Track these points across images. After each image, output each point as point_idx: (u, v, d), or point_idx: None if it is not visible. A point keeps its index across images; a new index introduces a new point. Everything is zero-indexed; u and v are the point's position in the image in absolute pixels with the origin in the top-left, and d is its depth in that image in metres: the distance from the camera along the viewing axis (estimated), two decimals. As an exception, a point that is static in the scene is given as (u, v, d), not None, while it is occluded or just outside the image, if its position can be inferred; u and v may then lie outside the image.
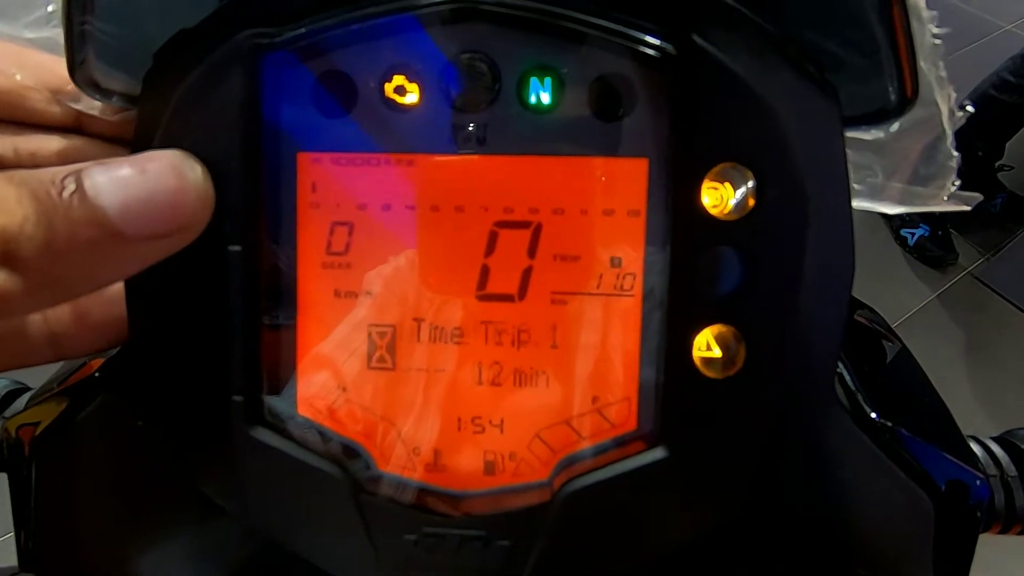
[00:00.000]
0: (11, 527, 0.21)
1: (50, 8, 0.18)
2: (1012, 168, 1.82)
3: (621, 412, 0.18)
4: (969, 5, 2.26)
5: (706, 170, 0.16)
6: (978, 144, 1.60)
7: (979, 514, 0.19)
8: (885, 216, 1.85)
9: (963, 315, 1.67)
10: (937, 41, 0.16)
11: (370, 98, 0.18)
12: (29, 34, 0.19)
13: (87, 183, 0.14)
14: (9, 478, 0.22)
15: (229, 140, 0.17)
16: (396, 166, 0.18)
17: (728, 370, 0.17)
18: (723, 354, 0.17)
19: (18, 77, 0.19)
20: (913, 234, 1.75)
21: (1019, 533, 0.22)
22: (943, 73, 0.16)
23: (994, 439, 0.23)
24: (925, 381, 0.23)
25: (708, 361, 0.17)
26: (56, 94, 0.20)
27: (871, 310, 0.28)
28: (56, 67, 0.19)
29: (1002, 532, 0.22)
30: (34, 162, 0.19)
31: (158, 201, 0.15)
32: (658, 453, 0.17)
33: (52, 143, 0.20)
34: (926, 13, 0.15)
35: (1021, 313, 1.66)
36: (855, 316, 0.27)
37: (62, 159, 0.20)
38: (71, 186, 0.14)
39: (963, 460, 0.19)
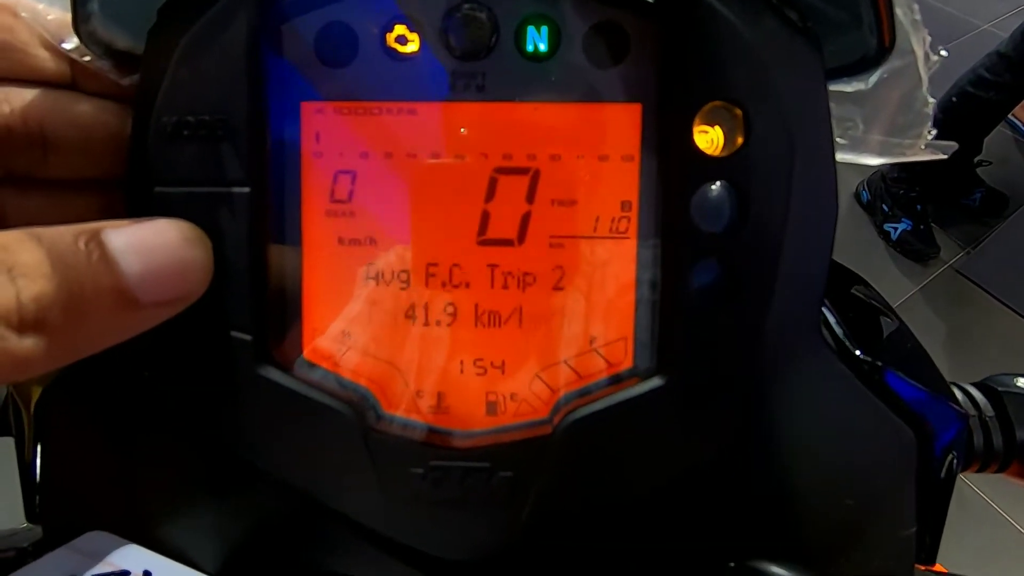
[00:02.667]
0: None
1: None
2: (990, 164, 1.87)
3: (618, 351, 0.19)
4: (947, 5, 2.31)
5: (698, 108, 0.17)
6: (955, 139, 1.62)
7: (958, 448, 0.20)
8: (868, 212, 1.88)
9: (945, 308, 1.70)
10: (912, -15, 0.16)
11: (372, 48, 0.18)
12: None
13: (110, 248, 0.15)
14: (15, 436, 0.22)
15: (234, 90, 0.18)
16: (397, 115, 0.19)
17: (718, 298, 0.17)
18: (715, 284, 0.17)
19: (24, 14, 0.19)
20: (896, 228, 1.78)
21: (996, 471, 0.23)
22: (917, 16, 0.17)
23: (974, 384, 0.24)
24: (908, 332, 0.24)
25: (704, 288, 0.17)
26: (50, 48, 0.20)
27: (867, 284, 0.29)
28: (52, 19, 0.19)
29: (980, 471, 0.23)
30: (24, 118, 0.19)
31: (171, 273, 0.16)
32: (655, 382, 0.17)
33: (44, 99, 0.20)
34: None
35: (1001, 305, 1.70)
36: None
37: (54, 115, 0.20)
38: (95, 251, 0.15)
39: (944, 397, 0.20)
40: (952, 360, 1.56)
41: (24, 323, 0.13)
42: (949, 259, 1.78)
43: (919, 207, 1.76)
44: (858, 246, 1.79)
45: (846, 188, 1.88)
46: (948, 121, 1.61)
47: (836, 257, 0.26)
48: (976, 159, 1.83)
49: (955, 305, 1.71)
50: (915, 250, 1.76)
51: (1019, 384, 0.24)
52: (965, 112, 1.57)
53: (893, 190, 1.76)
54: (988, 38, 2.00)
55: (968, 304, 1.71)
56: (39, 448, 0.21)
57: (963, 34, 2.24)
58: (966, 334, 1.62)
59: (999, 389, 0.23)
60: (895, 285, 1.71)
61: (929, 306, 1.70)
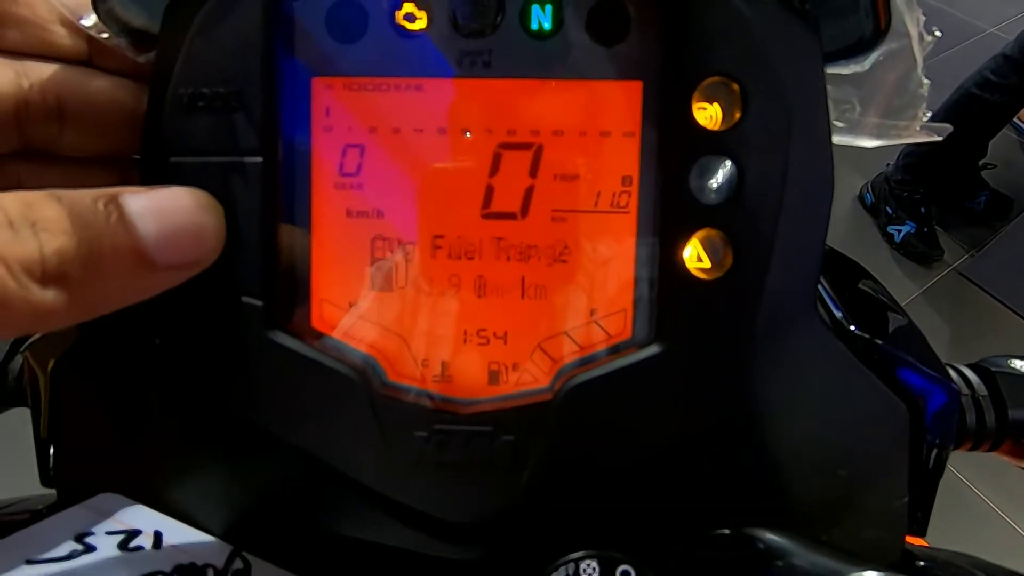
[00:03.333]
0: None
1: None
2: (995, 167, 1.86)
3: (617, 322, 0.19)
4: (952, 8, 2.31)
5: (697, 82, 0.17)
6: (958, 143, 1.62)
7: (950, 423, 0.20)
8: (872, 214, 1.88)
9: (948, 310, 1.70)
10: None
11: (381, 24, 0.19)
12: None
13: (127, 210, 0.15)
14: (31, 405, 0.23)
15: (248, 64, 0.18)
16: (405, 90, 0.19)
17: (716, 272, 0.18)
18: (711, 258, 0.18)
19: None
20: (899, 231, 1.78)
21: (988, 450, 0.23)
22: (911, -2, 0.18)
23: (968, 365, 0.25)
24: (904, 314, 0.25)
25: (702, 259, 0.18)
26: (68, 25, 0.20)
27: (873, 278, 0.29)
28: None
29: (973, 448, 0.23)
30: (42, 93, 0.20)
31: (186, 238, 0.17)
32: (652, 349, 0.18)
33: (61, 74, 0.20)
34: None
35: (1005, 308, 1.69)
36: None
37: (70, 90, 0.20)
38: (114, 213, 0.15)
39: (936, 374, 0.21)
40: (955, 362, 1.57)
41: (46, 275, 0.14)
42: (953, 262, 1.77)
43: (923, 209, 1.76)
44: (862, 248, 1.79)
45: (850, 190, 1.88)
46: (953, 123, 1.61)
47: None
48: (981, 162, 1.83)
49: (959, 307, 1.71)
50: (919, 252, 1.76)
51: (1013, 365, 0.24)
52: (970, 115, 1.57)
53: (897, 192, 1.76)
54: (994, 41, 2.00)
55: (972, 307, 1.71)
56: (53, 414, 0.22)
57: (969, 37, 2.24)
58: (970, 336, 1.62)
59: (993, 370, 0.24)
60: (899, 287, 1.71)
61: (933, 308, 1.70)
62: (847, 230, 1.82)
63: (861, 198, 1.86)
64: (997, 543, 1.26)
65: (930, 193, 1.76)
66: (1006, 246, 1.75)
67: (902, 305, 0.25)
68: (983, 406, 0.23)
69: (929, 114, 0.21)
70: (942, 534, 0.20)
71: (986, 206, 1.84)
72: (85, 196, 0.15)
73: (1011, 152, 2.04)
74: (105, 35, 0.20)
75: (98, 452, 0.21)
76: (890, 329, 0.22)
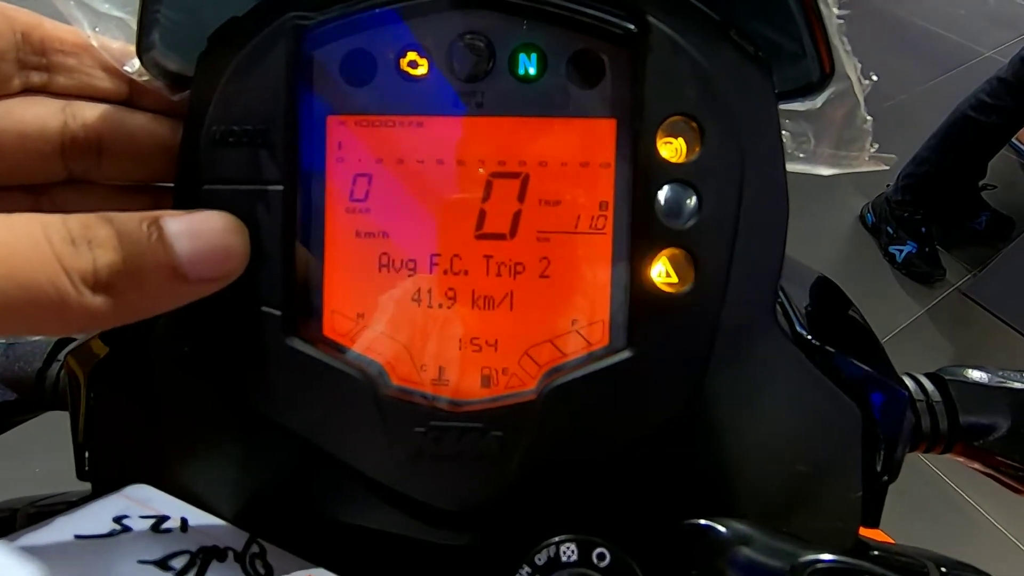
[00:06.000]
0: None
1: None
2: (995, 187, 1.88)
3: (596, 331, 0.22)
4: (951, 32, 2.35)
5: (661, 121, 0.20)
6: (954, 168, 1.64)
7: (901, 423, 0.22)
8: (873, 234, 1.89)
9: (951, 330, 1.70)
10: (840, 21, 0.20)
11: (387, 71, 0.22)
12: (104, 8, 0.22)
13: (167, 231, 0.18)
14: (71, 408, 0.25)
15: (273, 105, 0.21)
16: (408, 127, 0.22)
17: (681, 287, 0.20)
18: (676, 274, 0.20)
19: (94, 43, 0.22)
20: (901, 251, 1.79)
21: (941, 452, 0.25)
22: (848, 48, 0.20)
23: (925, 374, 0.27)
24: (863, 322, 0.27)
25: (668, 276, 0.20)
26: (110, 71, 0.23)
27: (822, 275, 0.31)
28: (116, 47, 0.23)
29: (927, 451, 0.25)
30: (85, 130, 0.23)
31: (215, 255, 0.19)
32: (624, 354, 0.20)
33: (102, 114, 0.23)
34: (829, -3, 0.19)
35: (1007, 327, 1.70)
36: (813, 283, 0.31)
37: (109, 127, 0.23)
38: (155, 233, 0.18)
39: (887, 378, 0.23)
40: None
41: (98, 284, 0.16)
42: (955, 281, 1.78)
43: (924, 229, 1.77)
44: (864, 268, 1.80)
45: (851, 211, 1.90)
46: (952, 145, 1.64)
47: (843, 279, 0.29)
48: (981, 183, 1.85)
49: (961, 327, 1.71)
50: (921, 272, 1.77)
51: (965, 374, 0.26)
52: (967, 136, 1.59)
53: (897, 213, 1.77)
54: (991, 65, 2.03)
55: (974, 326, 1.71)
56: (90, 415, 0.24)
57: (966, 61, 2.28)
58: (972, 356, 1.62)
59: (947, 378, 0.26)
60: (901, 307, 1.72)
61: (935, 328, 1.70)
62: (849, 250, 1.84)
63: (862, 218, 1.88)
64: (991, 553, 1.25)
65: (930, 213, 1.78)
66: (1009, 265, 1.76)
67: (905, 325, 0.27)
68: (936, 411, 0.25)
69: (876, 146, 0.23)
70: (940, 545, 0.22)
71: (987, 226, 1.86)
72: (132, 219, 0.18)
73: (1012, 173, 2.06)
74: (145, 78, 0.23)
75: (130, 448, 0.24)
76: (847, 338, 0.24)
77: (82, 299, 0.16)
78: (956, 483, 1.33)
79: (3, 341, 0.29)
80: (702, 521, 0.21)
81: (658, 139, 0.20)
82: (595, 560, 0.19)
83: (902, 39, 2.06)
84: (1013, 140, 2.10)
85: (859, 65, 0.20)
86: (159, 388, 0.24)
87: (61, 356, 0.29)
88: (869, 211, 1.87)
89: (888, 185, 1.81)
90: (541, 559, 0.19)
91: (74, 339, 0.31)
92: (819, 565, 0.19)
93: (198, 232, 0.19)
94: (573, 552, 0.19)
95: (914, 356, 1.64)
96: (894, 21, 2.41)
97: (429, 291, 0.22)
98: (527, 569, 0.19)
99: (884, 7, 2.46)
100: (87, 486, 0.25)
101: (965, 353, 1.64)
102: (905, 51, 1.80)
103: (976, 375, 0.26)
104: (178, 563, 0.19)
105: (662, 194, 0.20)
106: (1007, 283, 1.72)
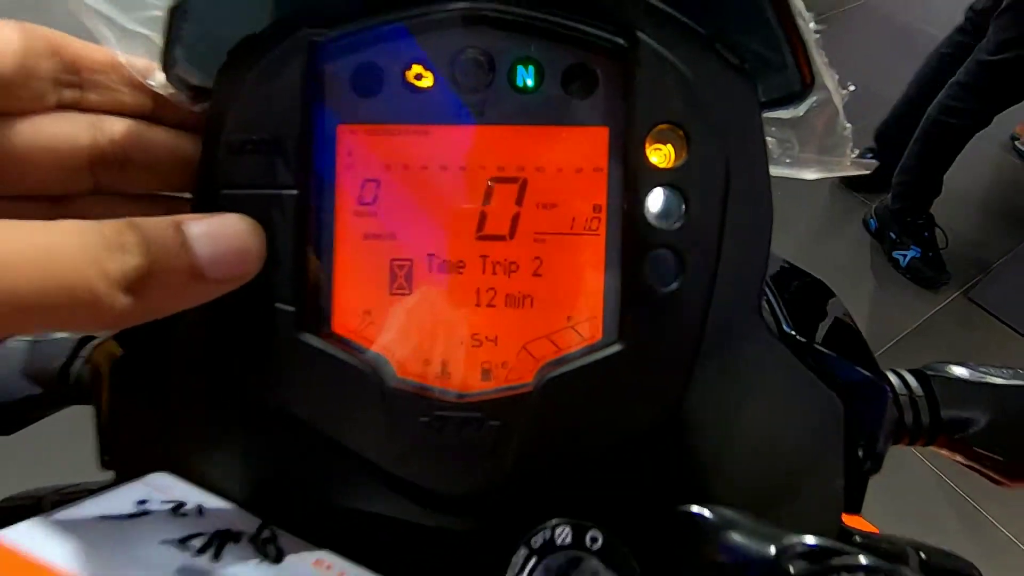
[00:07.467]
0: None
1: (157, 13, 0.24)
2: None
3: (589, 327, 0.23)
4: (930, 26, 2.34)
5: (649, 128, 0.21)
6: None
7: (882, 416, 0.24)
8: (877, 239, 1.89)
9: (956, 334, 1.70)
10: (817, 35, 0.21)
11: (394, 83, 0.23)
12: (131, 27, 0.24)
13: (188, 235, 0.19)
14: (93, 398, 0.27)
15: (288, 115, 0.22)
16: (414, 135, 0.23)
17: (669, 285, 0.21)
18: (665, 273, 0.21)
19: (122, 59, 0.24)
20: (904, 256, 1.80)
21: (924, 445, 0.26)
22: (825, 59, 0.21)
23: (909, 370, 0.28)
24: (851, 322, 0.28)
25: (657, 274, 0.21)
26: (135, 87, 0.25)
27: (814, 278, 0.33)
28: (142, 64, 0.24)
29: (911, 444, 0.26)
30: (111, 143, 0.24)
31: (233, 257, 0.21)
32: (615, 348, 0.21)
33: (127, 128, 0.24)
34: (805, 13, 0.20)
35: (1011, 331, 1.70)
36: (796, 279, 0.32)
37: (134, 140, 0.25)
38: (179, 237, 0.19)
39: (869, 373, 0.24)
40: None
41: (128, 286, 0.18)
42: (961, 286, 1.78)
43: (926, 234, 1.78)
44: (869, 274, 1.81)
45: (855, 216, 1.91)
46: (931, 149, 1.70)
47: (848, 285, 0.30)
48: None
49: (966, 331, 1.71)
50: (925, 277, 1.77)
51: (948, 370, 0.27)
52: (944, 139, 1.65)
53: (900, 217, 1.78)
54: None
55: (979, 330, 1.71)
56: (112, 409, 0.26)
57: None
58: (977, 359, 1.61)
59: (929, 373, 0.27)
60: (907, 312, 1.72)
61: (940, 332, 1.70)
62: (853, 256, 1.84)
63: (865, 224, 1.89)
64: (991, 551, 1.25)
65: (933, 217, 1.79)
66: (1013, 269, 1.76)
67: (911, 329, 0.28)
68: (919, 405, 0.26)
69: (857, 151, 0.24)
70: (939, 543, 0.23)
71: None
72: (158, 223, 0.19)
73: (1014, 174, 2.06)
74: (170, 91, 0.25)
75: (150, 439, 0.25)
76: (833, 336, 0.26)
77: (114, 300, 0.18)
78: (957, 484, 1.33)
79: (28, 339, 0.31)
80: (692, 508, 0.22)
81: (647, 146, 0.21)
82: (588, 543, 0.20)
83: (910, 45, 2.08)
84: (1016, 143, 2.10)
85: (836, 76, 0.22)
86: (176, 381, 0.25)
87: (83, 352, 0.30)
88: (872, 217, 1.87)
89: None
90: (537, 542, 0.20)
91: (94, 336, 0.32)
92: (803, 547, 0.20)
93: (218, 234, 0.20)
94: (568, 535, 0.20)
95: (919, 360, 1.61)
96: (902, 27, 2.42)
97: (433, 290, 0.24)
98: (524, 551, 0.20)
99: (892, 13, 2.47)
100: (109, 477, 0.26)
101: (970, 357, 1.61)
102: (913, 57, 1.81)
103: (958, 371, 0.27)
104: (196, 543, 0.20)
105: (651, 197, 0.21)
106: (1011, 287, 1.72)
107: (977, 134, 1.61)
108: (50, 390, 0.30)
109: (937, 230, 1.80)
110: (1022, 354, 1.64)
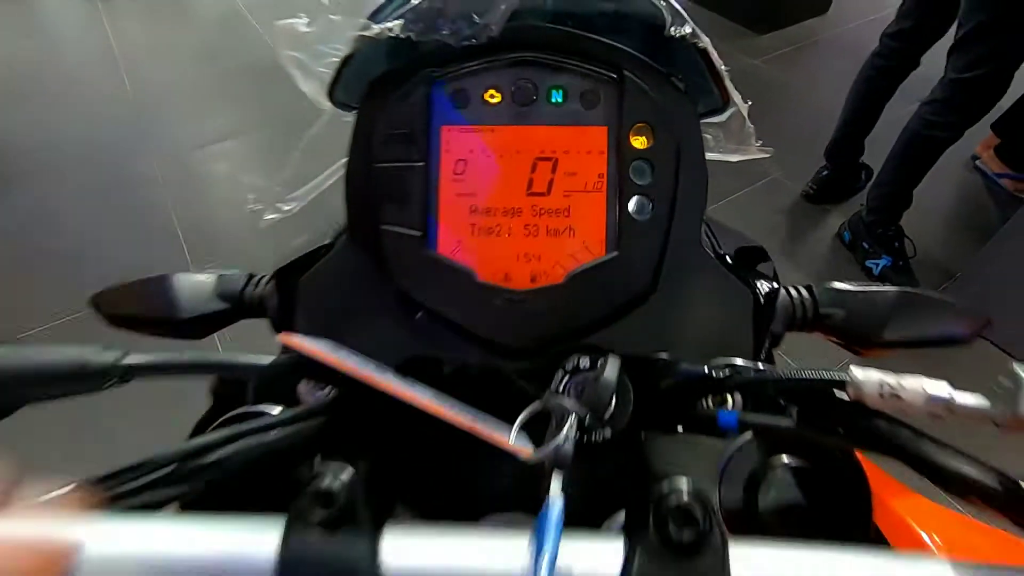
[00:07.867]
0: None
1: (334, 60, 0.39)
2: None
3: (597, 247, 0.38)
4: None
5: (631, 126, 0.36)
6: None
7: (774, 305, 0.38)
8: (851, 250, 2.03)
9: (925, 336, 1.84)
10: (725, 69, 0.36)
11: (476, 100, 0.38)
12: (315, 68, 0.39)
13: None
14: (270, 313, 0.41)
15: (416, 119, 0.37)
16: (488, 132, 0.38)
17: (645, 217, 0.36)
18: (642, 210, 0.36)
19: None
20: (877, 264, 1.94)
21: (809, 332, 0.41)
22: (734, 87, 0.37)
23: (803, 285, 0.42)
24: (766, 255, 0.43)
25: (637, 211, 0.36)
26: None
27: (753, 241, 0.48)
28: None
29: (800, 330, 0.41)
30: None
31: None
32: (611, 255, 0.36)
33: None
34: (714, 52, 0.36)
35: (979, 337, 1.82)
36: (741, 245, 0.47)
37: None
38: None
39: (768, 276, 0.39)
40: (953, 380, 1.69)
41: None
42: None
43: (897, 244, 1.93)
44: (843, 280, 1.95)
45: (830, 230, 2.08)
46: (910, 162, 1.81)
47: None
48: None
49: (934, 334, 1.84)
50: (896, 284, 1.91)
51: (830, 284, 0.42)
52: (924, 152, 1.78)
53: (872, 229, 1.94)
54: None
55: (945, 333, 1.85)
56: (283, 303, 0.40)
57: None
58: (944, 357, 1.75)
59: (814, 286, 0.42)
60: (879, 316, 1.86)
61: (911, 335, 1.83)
62: (829, 265, 1.99)
63: (840, 236, 2.04)
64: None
65: (902, 229, 1.94)
66: (975, 277, 1.90)
67: None
68: (806, 306, 0.41)
69: (760, 142, 0.40)
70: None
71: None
72: None
73: (978, 195, 2.23)
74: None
75: (316, 323, 0.40)
76: (746, 258, 0.40)
77: None
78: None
79: (214, 272, 0.45)
80: (662, 355, 0.36)
81: (630, 136, 0.36)
82: (599, 366, 0.35)
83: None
84: (976, 162, 2.28)
85: (739, 95, 0.37)
86: (337, 281, 0.39)
87: (253, 282, 0.45)
88: (846, 229, 2.02)
89: (862, 205, 1.98)
90: (568, 365, 0.35)
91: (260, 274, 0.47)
92: (725, 363, 0.34)
93: None
94: (587, 361, 0.35)
95: (892, 362, 1.76)
96: (862, 57, 2.63)
97: (498, 226, 0.38)
98: (560, 372, 0.35)
99: (853, 44, 2.69)
100: None
101: (937, 354, 1.76)
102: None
103: (838, 285, 0.42)
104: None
105: (633, 167, 0.37)
106: (974, 295, 1.86)
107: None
108: (234, 306, 0.44)
109: (906, 241, 1.95)
110: (984, 357, 1.77)
